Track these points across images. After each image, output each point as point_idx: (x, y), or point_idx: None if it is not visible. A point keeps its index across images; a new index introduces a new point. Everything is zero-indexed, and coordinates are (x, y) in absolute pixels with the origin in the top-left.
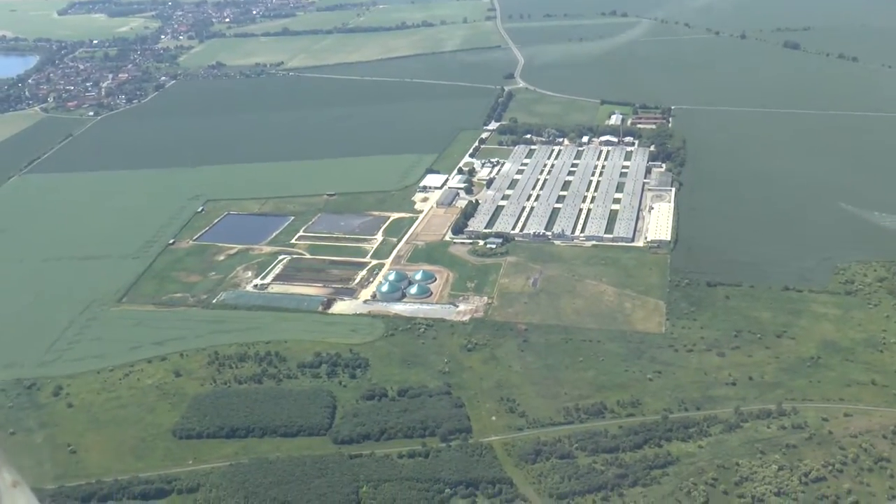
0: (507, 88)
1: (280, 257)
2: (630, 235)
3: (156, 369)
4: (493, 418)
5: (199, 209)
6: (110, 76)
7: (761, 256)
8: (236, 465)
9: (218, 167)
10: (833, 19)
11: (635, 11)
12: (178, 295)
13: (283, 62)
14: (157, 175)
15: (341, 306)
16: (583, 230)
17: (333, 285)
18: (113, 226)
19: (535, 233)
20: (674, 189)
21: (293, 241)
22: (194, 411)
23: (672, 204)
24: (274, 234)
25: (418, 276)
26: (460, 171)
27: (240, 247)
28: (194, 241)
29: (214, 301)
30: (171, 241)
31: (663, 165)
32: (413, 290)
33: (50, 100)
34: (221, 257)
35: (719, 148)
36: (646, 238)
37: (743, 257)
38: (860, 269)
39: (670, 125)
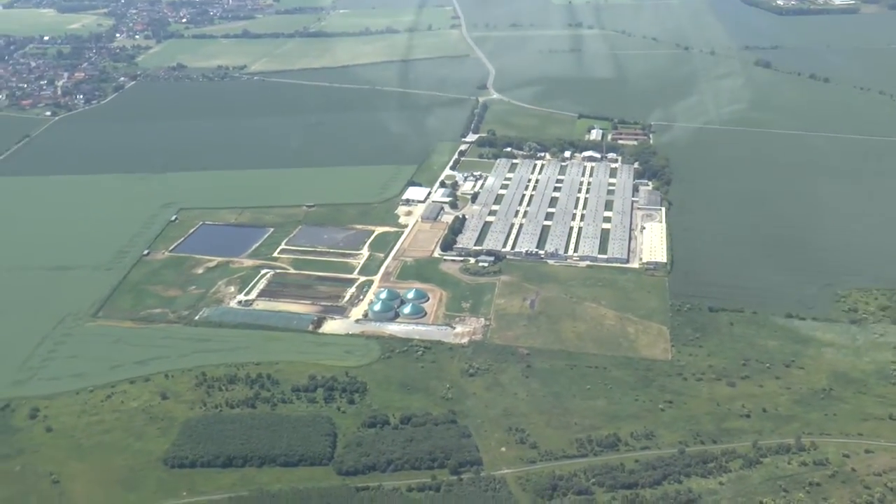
0: (481, 99)
1: (263, 271)
2: (625, 256)
3: (140, 391)
4: (503, 449)
5: (173, 218)
6: (66, 75)
7: (760, 281)
8: (236, 497)
9: (189, 174)
10: (798, 39)
11: (601, 24)
12: (158, 310)
13: (246, 65)
14: (124, 180)
15: (332, 325)
16: (576, 249)
17: (322, 303)
18: (82, 234)
19: (527, 251)
20: (664, 208)
21: (275, 254)
22: (186, 438)
23: (664, 224)
24: (254, 247)
25: (411, 295)
26: (443, 185)
27: (219, 259)
28: (170, 252)
29: (197, 318)
30: (145, 252)
31: (650, 184)
32: (407, 309)
33: (2, 97)
34: (200, 270)
35: (703, 166)
36: (641, 259)
37: (741, 281)
38: (861, 296)
39: (651, 141)
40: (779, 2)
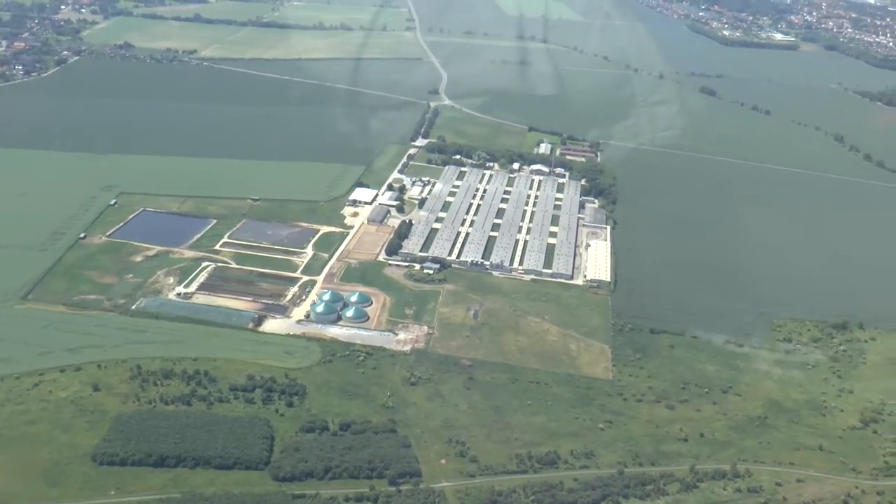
0: (433, 104)
1: (204, 264)
2: (569, 272)
3: (70, 380)
4: (443, 461)
5: (112, 202)
6: (4, 43)
7: (699, 305)
8: (167, 499)
9: (131, 157)
10: (742, 70)
11: (552, 39)
12: (92, 297)
13: (196, 50)
14: (63, 158)
15: (273, 325)
16: (521, 263)
17: (263, 300)
18: (14, 211)
19: (472, 261)
20: (609, 227)
21: (217, 247)
22: (117, 433)
23: (608, 243)
24: (195, 238)
25: (354, 298)
26: (391, 188)
27: (159, 248)
28: (108, 237)
29: (133, 307)
30: (81, 235)
31: (596, 202)
32: (349, 312)
33: None
34: (139, 258)
35: (648, 188)
36: (585, 276)
37: (682, 305)
38: (795, 326)
39: (599, 160)
40: (724, 32)
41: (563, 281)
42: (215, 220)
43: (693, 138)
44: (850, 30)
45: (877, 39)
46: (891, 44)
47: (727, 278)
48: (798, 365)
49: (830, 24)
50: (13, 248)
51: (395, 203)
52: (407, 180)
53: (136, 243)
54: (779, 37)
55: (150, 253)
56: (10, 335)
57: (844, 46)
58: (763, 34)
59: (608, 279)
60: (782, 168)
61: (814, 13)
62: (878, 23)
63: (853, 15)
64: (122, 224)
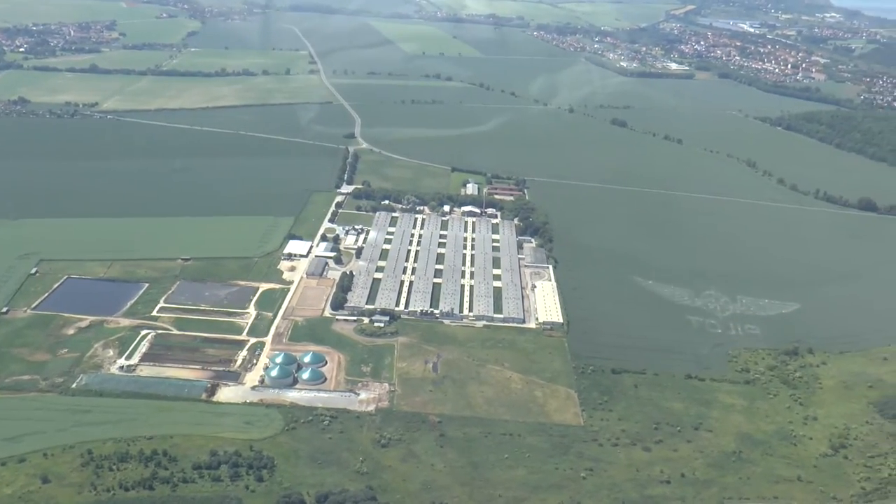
0: (351, 149)
1: (143, 332)
2: (520, 316)
3: (14, 474)
4: None
5: (33, 271)
6: None
7: (654, 341)
8: None
9: (46, 220)
10: (645, 101)
11: (457, 76)
12: (26, 377)
13: (97, 103)
14: None
15: (227, 393)
16: (471, 309)
17: (213, 367)
18: None
19: (421, 310)
20: (551, 267)
21: (154, 312)
22: None
23: (553, 283)
24: (129, 304)
25: (307, 359)
26: (325, 238)
27: (91, 318)
28: (33, 309)
29: (74, 385)
30: (3, 310)
31: (533, 241)
32: (305, 375)
33: None
34: (71, 331)
35: (579, 223)
36: (537, 319)
37: (637, 341)
38: (751, 356)
39: (527, 197)
40: (622, 63)
41: (515, 325)
42: (147, 284)
43: (614, 171)
44: (737, 57)
45: (763, 66)
46: (776, 70)
47: (673, 311)
48: (760, 394)
49: (719, 52)
50: None
51: (332, 254)
52: (340, 230)
53: (65, 314)
54: (673, 66)
55: (83, 324)
56: None
57: (736, 73)
58: (658, 64)
59: (560, 320)
60: (704, 196)
61: (702, 42)
62: (762, 50)
63: (738, 43)
64: (47, 294)
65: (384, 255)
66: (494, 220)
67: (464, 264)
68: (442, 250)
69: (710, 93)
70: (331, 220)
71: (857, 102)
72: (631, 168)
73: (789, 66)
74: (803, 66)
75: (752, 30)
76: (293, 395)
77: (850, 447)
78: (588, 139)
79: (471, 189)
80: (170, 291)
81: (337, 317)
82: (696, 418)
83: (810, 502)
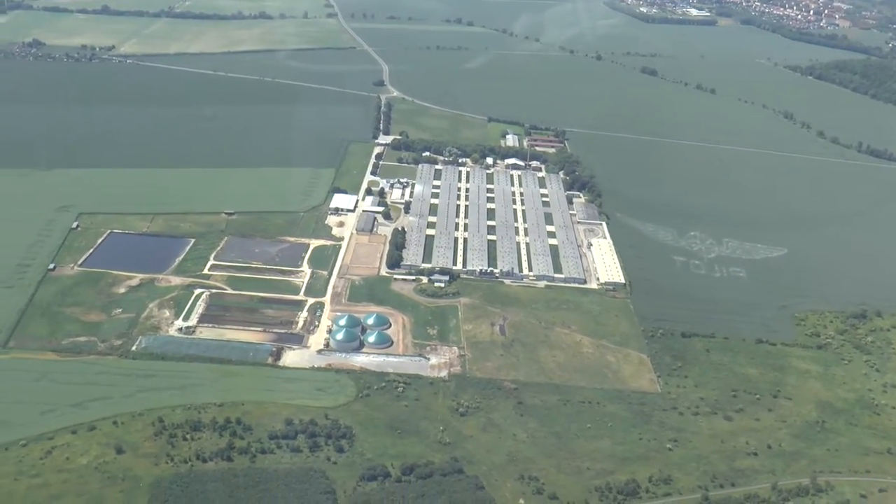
0: (383, 97)
1: (197, 292)
2: (581, 276)
3: (86, 443)
4: (522, 501)
5: (74, 225)
6: None
7: (719, 304)
8: None
9: (81, 171)
10: (671, 48)
11: (479, 21)
12: (83, 338)
13: (113, 46)
14: (4, 176)
15: (293, 357)
16: (530, 268)
17: (274, 329)
18: None
19: (480, 270)
20: (604, 223)
21: (205, 270)
22: (159, 503)
23: (609, 240)
24: (177, 261)
25: (371, 321)
26: (370, 192)
27: (141, 276)
28: (80, 266)
29: (134, 348)
30: (51, 266)
31: (582, 196)
32: (371, 338)
33: None
34: (122, 289)
35: (625, 178)
36: (598, 279)
37: (701, 304)
38: (818, 319)
39: (568, 150)
40: (642, 9)
41: (576, 286)
42: (193, 240)
43: (652, 123)
44: (757, 3)
45: (785, 13)
46: (799, 17)
47: (733, 271)
48: (834, 360)
49: None
50: None
51: (380, 209)
52: (384, 183)
53: (113, 272)
54: (694, 12)
55: (133, 282)
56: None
57: (759, 20)
58: (678, 10)
59: (622, 280)
60: (746, 150)
61: None
62: None
63: None
64: (91, 250)
65: (433, 210)
66: (539, 174)
67: (515, 220)
68: (491, 205)
69: (733, 40)
70: (373, 173)
71: (886, 50)
72: (668, 119)
73: (811, 11)
74: (826, 11)
75: None
76: (362, 360)
77: None
78: (620, 89)
79: (511, 140)
80: (219, 248)
81: (395, 276)
82: (773, 385)
83: None
